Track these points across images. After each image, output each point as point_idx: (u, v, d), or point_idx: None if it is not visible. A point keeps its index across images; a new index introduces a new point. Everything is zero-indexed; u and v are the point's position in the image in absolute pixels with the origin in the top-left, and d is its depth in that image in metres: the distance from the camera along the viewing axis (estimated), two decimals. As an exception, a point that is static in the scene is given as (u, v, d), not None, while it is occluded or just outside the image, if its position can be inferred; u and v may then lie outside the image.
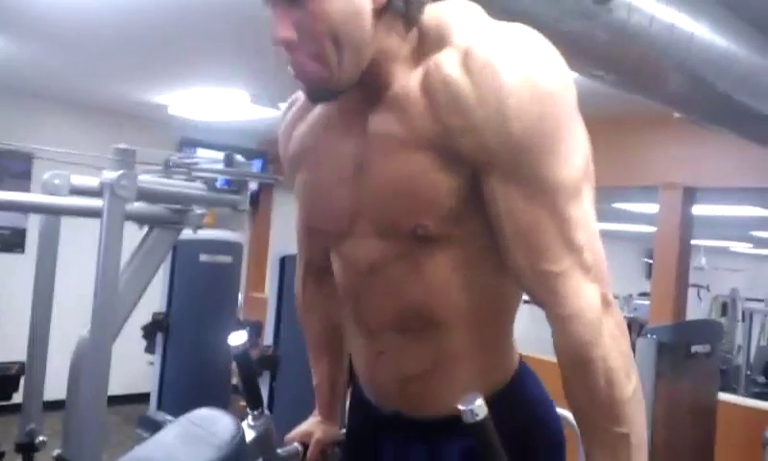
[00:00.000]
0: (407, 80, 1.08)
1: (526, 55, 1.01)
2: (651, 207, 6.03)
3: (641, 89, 2.80)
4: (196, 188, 2.85)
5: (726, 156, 4.44)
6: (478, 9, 1.11)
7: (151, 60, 4.65)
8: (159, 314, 4.48)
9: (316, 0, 1.02)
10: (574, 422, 1.08)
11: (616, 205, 7.40)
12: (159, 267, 2.87)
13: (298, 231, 1.47)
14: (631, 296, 9.14)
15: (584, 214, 1.03)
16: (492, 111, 0.99)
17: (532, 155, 1.00)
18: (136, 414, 4.62)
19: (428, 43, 1.08)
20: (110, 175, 2.38)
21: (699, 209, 5.08)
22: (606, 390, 1.02)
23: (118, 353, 2.44)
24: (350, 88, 1.11)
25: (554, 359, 1.06)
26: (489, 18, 1.09)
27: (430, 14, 1.09)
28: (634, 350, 3.41)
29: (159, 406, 4.45)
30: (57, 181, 2.69)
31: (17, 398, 2.86)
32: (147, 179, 2.66)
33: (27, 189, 5.43)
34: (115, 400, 3.39)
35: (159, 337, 4.50)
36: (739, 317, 8.45)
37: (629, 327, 7.24)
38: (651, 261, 6.21)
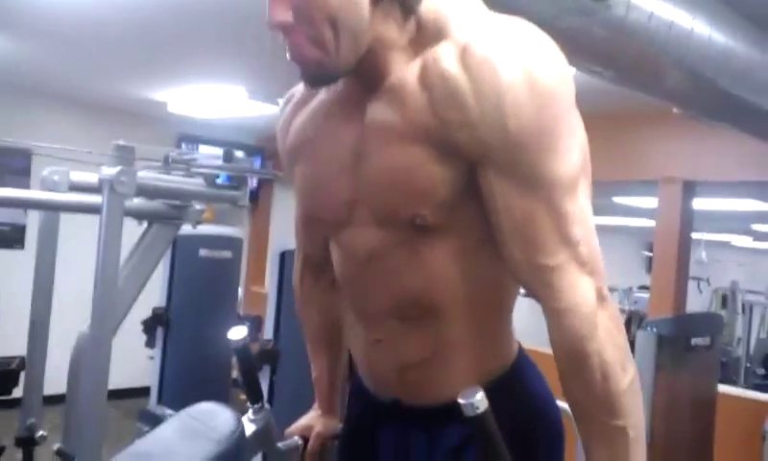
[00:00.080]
0: (405, 71, 1.08)
1: (524, 50, 1.01)
2: (651, 201, 6.04)
3: (640, 85, 2.80)
4: (195, 184, 2.85)
5: (725, 150, 4.44)
6: (477, 1, 1.11)
7: (149, 57, 4.64)
8: (159, 309, 4.49)
9: None
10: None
11: (616, 199, 7.41)
12: (159, 262, 2.87)
13: (296, 224, 1.47)
14: (631, 289, 9.15)
15: (580, 209, 1.03)
16: (490, 107, 0.99)
17: (528, 150, 1.00)
18: (136, 408, 4.62)
19: (426, 35, 1.08)
20: (110, 171, 2.38)
21: (699, 203, 5.08)
22: (601, 383, 1.02)
23: (118, 348, 2.44)
24: (348, 74, 1.11)
25: (553, 353, 1.06)
26: (488, 11, 1.09)
27: (428, 6, 1.08)
28: (634, 342, 3.39)
29: (159, 400, 4.46)
30: (56, 178, 2.70)
31: (17, 392, 2.87)
32: (146, 175, 2.66)
33: (26, 186, 5.43)
34: (115, 395, 3.40)
35: (159, 332, 4.51)
36: (739, 309, 8.46)
37: (629, 320, 7.27)
38: (651, 254, 6.22)
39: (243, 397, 1.36)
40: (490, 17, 1.07)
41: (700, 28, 2.44)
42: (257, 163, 6.66)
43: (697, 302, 8.87)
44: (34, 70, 5.31)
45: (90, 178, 2.66)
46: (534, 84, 0.99)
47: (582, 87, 1.09)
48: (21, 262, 4.80)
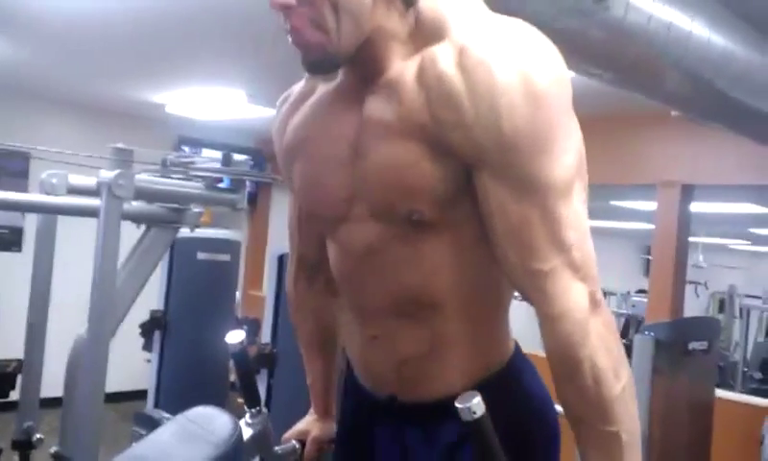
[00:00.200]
0: (403, 68, 1.08)
1: (521, 53, 1.01)
2: (649, 205, 6.04)
3: (639, 87, 2.80)
4: (193, 187, 2.85)
5: (723, 153, 4.45)
6: (477, 1, 1.11)
7: (148, 59, 4.64)
8: (157, 312, 4.48)
9: None
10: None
11: (614, 202, 7.41)
12: (157, 266, 2.87)
13: (290, 226, 1.47)
14: (629, 293, 9.15)
15: (574, 213, 1.03)
16: (484, 109, 0.99)
17: (523, 153, 1.00)
18: (133, 411, 4.62)
19: (426, 33, 1.08)
20: (108, 174, 2.38)
21: (697, 206, 5.08)
22: (594, 389, 1.02)
23: (115, 351, 2.44)
24: (348, 61, 1.11)
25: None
26: (487, 12, 1.09)
27: (428, 4, 1.09)
28: (631, 346, 3.38)
29: (157, 404, 4.45)
30: (54, 181, 2.70)
31: (14, 395, 2.86)
32: (144, 178, 2.66)
33: (24, 189, 5.43)
34: (112, 398, 3.39)
35: (157, 335, 4.50)
36: (737, 313, 8.46)
37: (627, 324, 7.27)
38: (649, 258, 6.22)
39: (240, 400, 1.36)
40: (489, 18, 1.07)
41: (699, 30, 2.44)
42: (256, 166, 6.66)
43: (695, 306, 8.88)
44: (32, 73, 5.31)
45: (88, 181, 2.66)
46: (529, 87, 0.99)
47: (580, 90, 1.09)
48: (19, 265, 4.79)
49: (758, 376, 7.55)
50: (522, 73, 0.99)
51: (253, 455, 1.32)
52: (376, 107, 1.11)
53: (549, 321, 1.03)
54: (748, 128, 3.35)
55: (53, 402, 2.98)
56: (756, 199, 6.33)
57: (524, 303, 1.19)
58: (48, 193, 2.68)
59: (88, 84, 5.57)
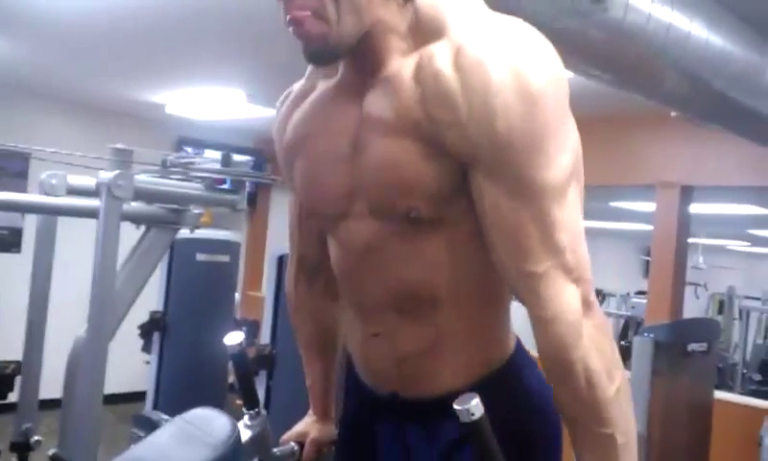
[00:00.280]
0: (402, 65, 1.09)
1: (517, 53, 1.01)
2: (648, 206, 6.04)
3: (638, 88, 2.80)
4: (193, 188, 2.85)
5: (723, 154, 4.45)
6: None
7: (148, 59, 4.65)
8: (156, 313, 4.48)
9: None
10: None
11: (613, 203, 7.41)
12: (156, 267, 2.87)
13: (291, 225, 1.47)
14: (628, 294, 9.15)
15: (568, 215, 1.02)
16: (479, 109, 0.99)
17: (517, 154, 1.00)
18: (132, 413, 4.62)
19: (424, 31, 1.08)
20: (107, 175, 2.38)
21: (696, 207, 5.08)
22: (587, 391, 1.02)
23: (114, 352, 2.44)
24: (349, 52, 1.11)
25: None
26: (486, 10, 1.09)
27: (427, 2, 1.09)
28: (630, 348, 3.37)
29: (155, 405, 4.45)
30: (54, 182, 2.70)
31: (13, 397, 2.86)
32: (144, 179, 2.66)
33: (24, 189, 5.42)
34: (111, 399, 3.40)
35: (156, 336, 4.50)
36: (736, 315, 8.46)
37: (626, 325, 7.24)
38: (648, 258, 6.21)
39: (239, 402, 1.35)
40: (487, 17, 1.07)
41: (697, 30, 2.44)
42: (256, 167, 6.67)
43: (694, 307, 8.88)
44: (32, 72, 5.31)
45: (88, 181, 2.66)
46: (524, 87, 0.99)
47: (579, 90, 1.09)
48: (18, 266, 4.79)
49: (757, 377, 7.56)
50: (518, 73, 0.99)
51: (252, 457, 1.32)
52: (375, 103, 1.11)
53: (542, 323, 1.03)
54: (746, 129, 3.35)
55: (52, 404, 2.98)
56: (755, 200, 6.33)
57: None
58: (47, 194, 2.68)
59: (88, 83, 5.57)
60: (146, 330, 4.46)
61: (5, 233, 5.97)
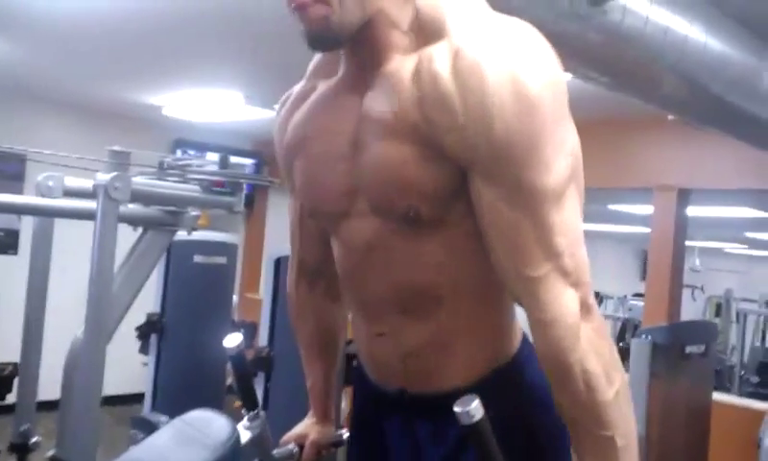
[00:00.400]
0: (401, 64, 1.09)
1: (515, 57, 1.01)
2: (645, 209, 6.04)
3: (636, 91, 2.80)
4: (190, 190, 2.84)
5: (720, 157, 4.45)
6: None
7: (145, 61, 4.64)
8: (154, 315, 4.48)
9: None
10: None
11: (611, 206, 7.41)
12: (153, 269, 2.87)
13: (292, 227, 1.47)
14: (625, 296, 9.16)
15: (565, 219, 1.03)
16: (476, 114, 1.00)
17: (514, 159, 1.00)
18: (130, 415, 4.62)
19: (425, 32, 1.09)
20: (104, 177, 2.37)
21: (693, 210, 5.09)
22: (586, 394, 1.03)
23: (112, 354, 2.43)
24: (350, 41, 1.11)
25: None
26: (488, 11, 1.09)
27: (428, 2, 1.09)
28: (627, 350, 3.37)
29: (153, 407, 4.45)
30: (50, 183, 2.69)
31: (11, 398, 2.86)
32: (141, 181, 2.66)
33: (20, 191, 5.41)
34: (109, 401, 3.39)
35: (154, 338, 4.50)
36: (733, 317, 8.47)
37: (624, 327, 7.23)
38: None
39: (237, 403, 1.35)
40: (488, 19, 1.07)
41: (696, 34, 2.44)
42: (252, 168, 6.67)
43: (691, 310, 8.89)
44: (28, 74, 5.30)
45: (85, 183, 2.66)
46: (521, 91, 0.99)
47: (577, 93, 1.09)
48: (15, 268, 4.78)
49: (755, 379, 7.56)
50: (515, 78, 0.99)
51: (251, 459, 1.32)
52: (374, 103, 1.11)
53: (541, 326, 1.04)
54: (744, 132, 3.35)
55: (50, 405, 2.98)
56: (752, 203, 6.34)
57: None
58: (44, 196, 2.68)
59: (85, 85, 5.56)
60: (143, 332, 4.46)
61: (1, 235, 5.96)
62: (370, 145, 1.12)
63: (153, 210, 2.75)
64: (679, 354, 3.40)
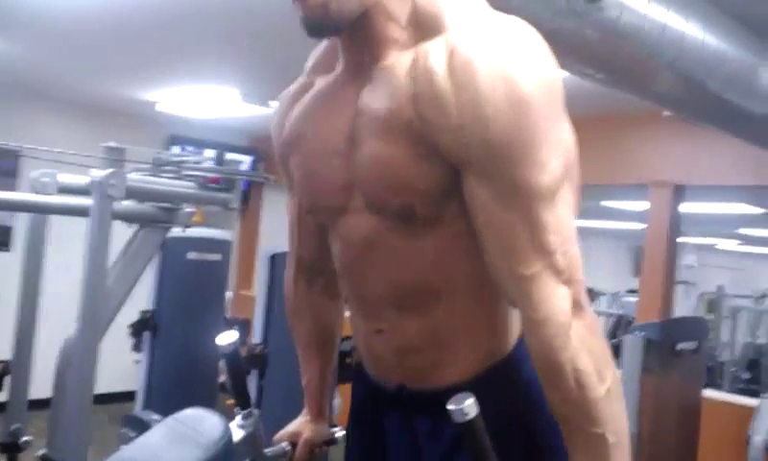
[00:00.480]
0: (398, 59, 1.09)
1: (510, 55, 1.00)
2: (639, 205, 6.05)
3: (632, 88, 2.80)
4: (185, 186, 2.84)
5: (716, 153, 4.46)
6: None
7: (141, 57, 4.62)
8: (147, 312, 4.45)
9: None
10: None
11: (605, 202, 7.42)
12: (147, 266, 2.86)
13: (290, 224, 1.47)
14: (618, 293, 9.18)
15: (558, 217, 1.03)
16: (470, 113, 1.00)
17: (507, 158, 1.00)
18: (122, 413, 4.60)
19: (422, 28, 1.08)
20: (99, 173, 2.37)
21: (686, 206, 5.10)
22: (577, 391, 1.03)
23: (105, 351, 2.43)
24: (348, 29, 1.11)
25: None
26: (485, 8, 1.09)
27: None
28: (619, 346, 3.37)
29: (146, 405, 4.42)
30: (45, 180, 2.68)
31: (2, 397, 2.84)
32: (136, 177, 2.65)
33: (14, 187, 5.39)
34: (101, 399, 3.38)
35: (147, 335, 4.47)
36: (725, 314, 8.50)
37: (617, 324, 7.24)
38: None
39: (230, 402, 1.35)
40: (485, 16, 1.07)
41: (693, 31, 2.44)
42: (249, 165, 6.65)
43: (684, 306, 8.91)
44: (21, 70, 5.28)
45: (79, 180, 2.64)
46: (514, 90, 0.99)
47: (572, 90, 1.08)
48: (8, 264, 4.76)
49: (746, 375, 7.60)
50: (509, 77, 0.99)
51: (244, 457, 1.31)
52: (370, 98, 1.12)
53: (533, 325, 1.04)
54: (741, 129, 3.36)
55: (41, 404, 2.96)
56: (745, 199, 6.36)
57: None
58: (38, 192, 2.66)
59: (80, 81, 5.54)
60: (137, 330, 4.44)
61: (-6, 232, 5.93)
62: (365, 141, 1.12)
63: (147, 207, 2.74)
64: (671, 351, 3.41)
